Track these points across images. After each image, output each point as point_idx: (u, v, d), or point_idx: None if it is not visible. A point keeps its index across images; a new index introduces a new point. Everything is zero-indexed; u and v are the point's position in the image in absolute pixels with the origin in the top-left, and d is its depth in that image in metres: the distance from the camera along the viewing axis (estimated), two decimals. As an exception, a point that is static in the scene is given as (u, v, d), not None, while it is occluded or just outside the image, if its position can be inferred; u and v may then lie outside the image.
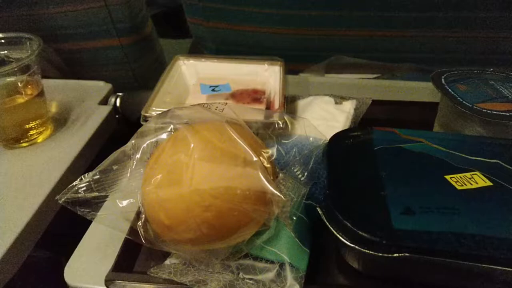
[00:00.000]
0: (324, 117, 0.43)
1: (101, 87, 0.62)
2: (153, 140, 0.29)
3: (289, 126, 0.38)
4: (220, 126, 0.28)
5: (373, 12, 0.60)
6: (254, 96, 0.43)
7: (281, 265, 0.29)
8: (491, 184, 0.32)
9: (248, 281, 0.29)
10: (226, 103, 0.33)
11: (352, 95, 0.48)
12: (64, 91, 0.60)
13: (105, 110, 0.56)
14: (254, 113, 0.37)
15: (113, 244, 0.33)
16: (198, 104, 0.33)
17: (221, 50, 0.69)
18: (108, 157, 0.31)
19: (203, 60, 0.49)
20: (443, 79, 0.43)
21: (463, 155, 0.36)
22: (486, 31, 0.59)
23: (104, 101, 0.60)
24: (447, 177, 0.33)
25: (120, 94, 0.61)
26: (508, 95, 0.39)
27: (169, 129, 0.29)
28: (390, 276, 0.30)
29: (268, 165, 0.28)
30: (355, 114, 0.44)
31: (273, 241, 0.30)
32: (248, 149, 0.26)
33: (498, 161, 0.35)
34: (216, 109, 0.32)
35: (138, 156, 0.29)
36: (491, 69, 0.45)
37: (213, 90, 0.43)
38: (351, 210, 0.29)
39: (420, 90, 0.56)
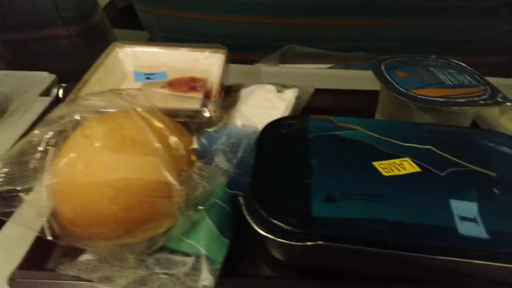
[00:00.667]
0: (263, 105, 0.42)
1: (45, 78, 0.59)
2: (58, 129, 0.27)
3: (220, 115, 0.36)
4: (128, 113, 0.26)
5: (324, 0, 0.59)
6: (192, 84, 0.42)
7: (198, 257, 0.27)
8: (419, 170, 0.32)
9: (162, 276, 0.27)
10: (139, 89, 0.31)
11: (298, 84, 0.47)
12: (4, 82, 0.57)
13: (45, 101, 0.53)
14: (179, 101, 0.35)
15: (26, 242, 0.31)
16: (109, 90, 0.31)
17: (172, 40, 0.67)
18: (13, 147, 0.29)
19: (143, 47, 0.47)
20: (383, 66, 0.42)
21: (397, 141, 0.35)
22: (438, 19, 0.59)
23: (46, 92, 0.57)
24: (376, 163, 0.32)
25: (64, 85, 0.58)
26: (446, 81, 0.39)
27: (75, 117, 0.27)
28: (313, 266, 0.29)
29: (183, 153, 0.26)
30: (296, 103, 0.43)
31: (191, 232, 0.28)
32: (152, 137, 0.24)
33: (431, 147, 0.34)
34: (128, 96, 0.30)
35: (41, 147, 0.27)
36: (433, 56, 0.45)
37: (147, 78, 0.41)
38: (271, 199, 0.28)
39: (368, 79, 0.55)
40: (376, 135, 0.36)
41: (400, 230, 0.26)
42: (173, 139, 0.26)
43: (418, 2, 0.58)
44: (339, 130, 0.37)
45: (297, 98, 0.44)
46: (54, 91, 0.57)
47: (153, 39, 0.74)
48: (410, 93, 0.37)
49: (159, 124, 0.26)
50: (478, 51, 0.62)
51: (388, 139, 0.35)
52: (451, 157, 0.33)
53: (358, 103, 0.47)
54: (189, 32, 0.64)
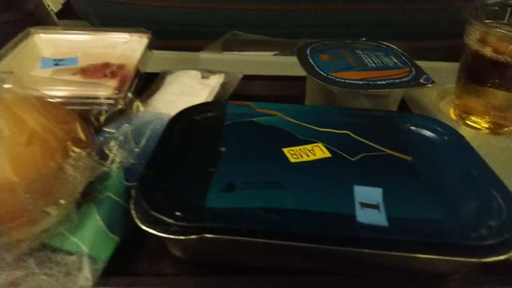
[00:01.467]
0: (185, 92, 0.39)
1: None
2: None
3: (131, 103, 0.34)
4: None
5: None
6: (106, 71, 0.39)
7: (80, 256, 0.25)
8: (330, 155, 0.30)
9: (42, 276, 0.25)
10: (10, 72, 0.29)
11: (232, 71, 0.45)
12: None
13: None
14: (80, 88, 0.32)
15: None
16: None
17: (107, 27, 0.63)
18: None
19: (59, 32, 0.44)
20: (308, 50, 0.40)
21: (314, 127, 0.34)
22: (382, 3, 0.58)
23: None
24: (285, 150, 0.30)
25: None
26: (370, 63, 0.37)
27: None
28: (212, 261, 0.27)
29: (55, 143, 0.24)
30: (222, 89, 0.41)
31: (77, 229, 0.26)
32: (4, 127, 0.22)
33: (348, 131, 0.33)
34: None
35: None
36: (364, 39, 0.43)
37: (56, 64, 0.38)
38: (161, 190, 0.26)
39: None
40: (294, 121, 0.34)
41: (294, 218, 0.24)
42: (41, 128, 0.23)
43: None
44: (257, 116, 0.35)
45: (223, 84, 0.41)
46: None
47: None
48: (329, 76, 0.35)
49: (20, 112, 0.23)
50: (421, 35, 0.61)
51: (306, 124, 0.34)
52: (367, 142, 0.32)
53: (290, 90, 0.45)
54: (127, 19, 0.61)
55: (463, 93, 0.44)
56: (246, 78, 0.46)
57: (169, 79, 0.42)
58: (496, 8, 0.43)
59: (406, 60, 0.39)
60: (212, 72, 0.42)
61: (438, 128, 0.33)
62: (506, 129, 0.44)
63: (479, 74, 0.41)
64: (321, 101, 0.39)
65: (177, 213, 0.24)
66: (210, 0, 0.58)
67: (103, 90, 0.34)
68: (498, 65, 0.38)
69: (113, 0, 0.58)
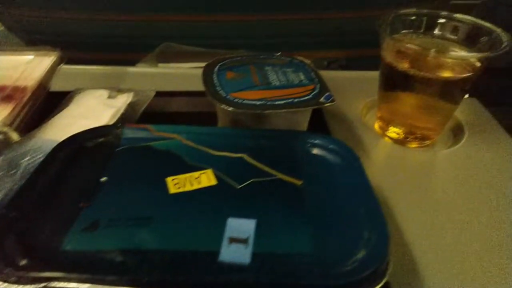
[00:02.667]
0: (84, 114, 0.37)
1: None
2: None
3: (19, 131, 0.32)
4: None
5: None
6: (2, 94, 0.37)
7: None
8: (215, 183, 0.29)
9: None
10: None
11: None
12: None
13: None
14: None
15: None
16: None
17: (35, 42, 0.61)
18: None
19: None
20: (217, 67, 0.39)
21: (210, 150, 0.32)
22: (310, 13, 0.57)
23: None
24: (169, 179, 0.29)
25: None
26: (273, 81, 0.36)
27: None
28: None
29: None
30: (130, 110, 0.39)
31: None
32: None
33: (244, 155, 0.32)
34: None
35: None
36: (279, 53, 0.42)
37: None
38: (11, 232, 0.24)
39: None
40: (192, 144, 0.33)
41: (150, 261, 0.23)
42: None
43: None
44: (154, 141, 0.33)
45: (131, 104, 0.40)
46: None
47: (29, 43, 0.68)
48: (228, 96, 0.34)
49: None
50: (359, 43, 0.61)
51: (203, 148, 0.32)
52: (260, 166, 0.31)
53: (210, 107, 0.44)
54: (56, 33, 0.59)
55: (382, 103, 0.43)
56: (164, 94, 0.45)
57: (75, 99, 0.41)
58: (413, 18, 0.43)
59: (314, 76, 0.38)
60: (121, 91, 0.41)
61: (335, 148, 0.32)
62: (428, 141, 0.43)
63: (395, 85, 0.41)
64: (229, 122, 0.37)
65: (22, 260, 0.22)
66: (141, 12, 0.57)
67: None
68: (412, 78, 0.38)
69: (39, 16, 0.56)
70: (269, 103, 0.33)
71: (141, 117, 0.40)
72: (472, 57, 0.36)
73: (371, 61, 0.63)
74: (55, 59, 0.41)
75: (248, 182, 0.29)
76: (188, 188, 0.28)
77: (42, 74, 0.39)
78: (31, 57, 0.41)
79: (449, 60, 0.37)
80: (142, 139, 0.33)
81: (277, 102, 0.33)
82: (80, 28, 0.58)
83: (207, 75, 0.37)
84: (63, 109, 0.39)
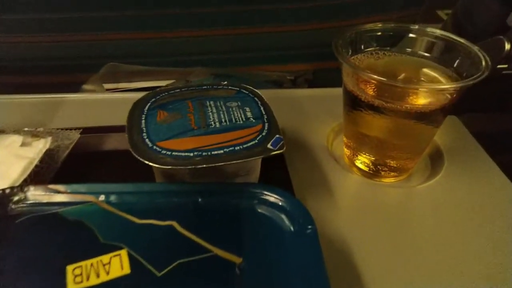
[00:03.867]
0: (-11, 170, 0.31)
1: None
2: None
3: None
4: None
5: (144, 11, 0.49)
6: None
7: None
8: (128, 272, 0.23)
9: None
10: None
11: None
12: None
13: None
14: None
15: None
16: None
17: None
18: None
19: None
20: (149, 104, 0.32)
21: (133, 218, 0.26)
22: (278, 25, 0.51)
23: None
24: (70, 268, 0.23)
25: None
26: (214, 123, 0.30)
27: None
28: None
29: None
30: (49, 158, 0.33)
31: None
32: None
33: (174, 222, 0.26)
34: None
35: None
36: (225, 82, 0.36)
37: None
38: None
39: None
40: (112, 210, 0.27)
41: None
42: None
43: (251, 8, 0.50)
44: (65, 205, 0.27)
45: (50, 151, 0.33)
46: None
47: None
48: (154, 147, 0.28)
49: None
50: (326, 55, 0.55)
51: (124, 214, 0.26)
52: (193, 237, 0.25)
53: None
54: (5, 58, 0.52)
55: (348, 128, 0.38)
56: (95, 130, 0.39)
57: (-15, 147, 0.34)
58: (379, 33, 0.37)
59: (264, 112, 0.32)
60: (37, 136, 0.34)
61: (286, 208, 0.27)
62: (405, 174, 0.38)
63: (360, 111, 0.35)
64: (162, 176, 0.31)
65: None
66: (83, 31, 0.50)
67: None
68: (378, 108, 0.32)
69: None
70: (204, 154, 0.27)
71: (63, 164, 0.34)
72: (449, 88, 0.31)
73: (339, 73, 0.58)
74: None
75: (173, 265, 0.23)
76: (93, 281, 0.22)
77: None
78: None
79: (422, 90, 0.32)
80: (50, 205, 0.27)
81: (214, 153, 0.27)
82: (17, 52, 0.51)
83: (133, 117, 0.31)
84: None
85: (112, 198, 0.27)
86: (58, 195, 0.28)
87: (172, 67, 0.55)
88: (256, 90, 0.35)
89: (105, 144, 0.38)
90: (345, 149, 0.39)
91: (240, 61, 0.56)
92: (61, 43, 0.52)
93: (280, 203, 0.27)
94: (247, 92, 0.35)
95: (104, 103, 0.47)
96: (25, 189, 0.28)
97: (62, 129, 0.36)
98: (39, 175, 0.32)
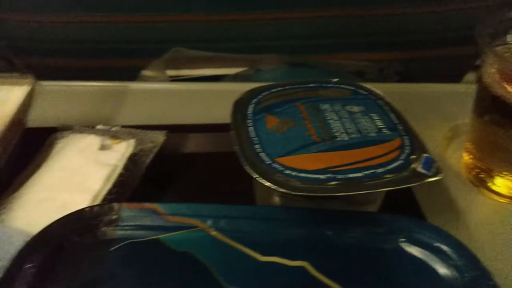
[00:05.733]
0: (64, 182, 0.26)
1: None
2: None
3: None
4: None
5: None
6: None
7: None
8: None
9: None
10: None
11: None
12: None
13: None
14: None
15: None
16: None
17: (21, 50, 0.49)
18: None
19: None
20: (251, 107, 0.27)
21: (253, 253, 0.21)
22: (362, 8, 0.44)
23: None
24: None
25: None
26: (340, 134, 0.24)
27: None
28: None
29: None
30: (132, 165, 0.28)
31: None
32: None
33: (305, 263, 0.21)
34: None
35: None
36: (335, 80, 0.30)
37: None
38: None
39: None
40: (223, 239, 0.22)
41: None
42: None
43: None
44: (166, 231, 0.22)
45: (133, 157, 0.29)
46: None
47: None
48: (273, 164, 0.22)
49: None
50: (418, 43, 0.47)
51: (241, 247, 0.21)
52: (330, 284, 0.20)
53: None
54: (45, 40, 0.48)
55: (480, 141, 0.31)
56: (178, 129, 0.34)
57: (57, 148, 0.30)
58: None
59: (397, 121, 0.26)
60: (117, 137, 0.29)
61: (442, 249, 0.21)
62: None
63: (501, 116, 0.29)
64: (269, 198, 0.26)
65: None
66: (145, 13, 0.45)
67: None
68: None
69: (25, 20, 0.44)
70: (339, 177, 0.21)
71: (146, 172, 0.29)
72: None
73: (435, 65, 0.51)
74: (29, 89, 0.30)
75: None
76: None
77: (12, 112, 0.28)
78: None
79: None
80: (148, 228, 0.23)
81: (351, 176, 0.21)
82: (76, 33, 0.47)
83: (237, 123, 0.25)
84: (38, 167, 0.28)
85: (223, 223, 0.22)
86: (155, 216, 0.23)
87: (240, 54, 0.49)
88: (377, 90, 0.29)
89: (188, 145, 0.34)
90: (467, 163, 0.33)
91: (318, 48, 0.49)
92: (119, 24, 0.47)
93: (435, 243, 0.21)
94: (365, 93, 0.29)
95: (172, 94, 0.42)
96: (116, 207, 0.23)
97: (142, 128, 0.31)
98: (124, 185, 0.27)
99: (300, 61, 0.50)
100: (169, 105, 0.40)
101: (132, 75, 0.51)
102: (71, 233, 0.22)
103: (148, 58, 0.51)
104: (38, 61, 0.53)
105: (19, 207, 0.25)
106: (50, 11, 0.45)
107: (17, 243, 0.22)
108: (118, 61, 0.52)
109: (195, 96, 0.42)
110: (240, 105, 0.27)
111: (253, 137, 0.24)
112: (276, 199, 0.26)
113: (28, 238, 0.22)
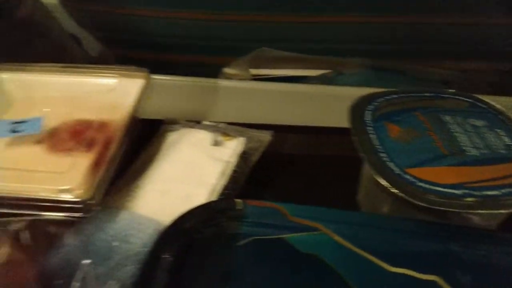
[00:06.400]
0: (181, 173, 0.27)
1: None
2: None
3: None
4: None
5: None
6: (81, 136, 0.28)
7: None
8: None
9: None
10: None
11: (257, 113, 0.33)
12: None
13: None
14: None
15: None
16: None
17: (111, 41, 0.52)
18: None
19: (30, 71, 0.33)
20: (369, 113, 0.27)
21: (384, 264, 0.21)
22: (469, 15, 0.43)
23: None
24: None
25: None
26: (469, 147, 0.24)
27: None
28: None
29: None
30: (242, 162, 0.29)
31: None
32: None
33: (437, 278, 0.20)
34: None
35: None
36: (452, 91, 0.29)
37: (13, 130, 0.28)
38: None
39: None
40: (349, 245, 0.22)
41: None
42: None
43: None
44: (289, 231, 0.23)
45: (243, 154, 0.29)
46: None
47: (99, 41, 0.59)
48: (404, 175, 0.22)
49: None
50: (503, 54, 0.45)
51: (368, 256, 0.22)
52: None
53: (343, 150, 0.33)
54: (131, 31, 0.50)
55: None
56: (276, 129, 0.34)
57: (170, 139, 0.31)
58: None
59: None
60: (227, 134, 0.30)
61: None
62: None
63: None
64: (379, 206, 0.26)
65: None
66: (233, 11, 0.46)
67: (65, 184, 0.24)
68: None
69: (115, 12, 0.47)
70: (475, 193, 0.21)
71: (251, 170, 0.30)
72: None
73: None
74: (144, 83, 0.32)
75: None
76: None
77: (132, 105, 0.30)
78: (113, 80, 0.32)
79: None
80: (271, 227, 0.23)
81: (488, 193, 0.21)
82: (166, 28, 0.48)
83: (358, 128, 0.25)
84: (151, 157, 0.30)
85: (345, 229, 0.23)
86: (278, 215, 0.23)
87: (322, 56, 0.49)
88: (496, 104, 0.28)
89: (287, 146, 0.34)
90: None
91: (404, 53, 0.48)
92: (211, 21, 0.48)
93: None
94: (484, 106, 0.28)
95: (258, 93, 0.43)
96: (239, 203, 0.24)
97: (249, 126, 0.32)
98: (235, 182, 0.28)
99: (385, 66, 0.49)
100: (257, 104, 0.40)
101: (212, 72, 0.52)
102: (200, 225, 0.23)
103: (229, 56, 0.52)
104: (122, 52, 0.55)
105: (143, 196, 0.26)
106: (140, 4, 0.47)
107: (148, 231, 0.24)
108: (200, 57, 0.53)
109: (278, 96, 0.42)
110: (357, 111, 0.27)
111: (377, 145, 0.24)
112: (386, 208, 0.26)
113: (158, 227, 0.24)
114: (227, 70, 0.53)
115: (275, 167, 0.32)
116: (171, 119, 0.34)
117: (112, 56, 0.55)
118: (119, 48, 0.55)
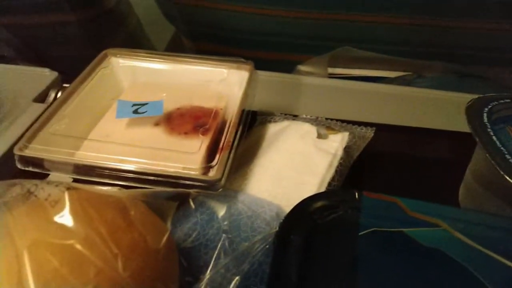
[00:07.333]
0: (292, 162, 0.28)
1: (45, 76, 0.50)
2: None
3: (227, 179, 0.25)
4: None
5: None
6: (197, 121, 0.30)
7: None
8: None
9: None
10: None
11: (348, 110, 0.34)
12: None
13: (38, 109, 0.44)
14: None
15: None
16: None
17: (197, 36, 0.54)
18: None
19: (138, 59, 0.35)
20: (485, 115, 0.27)
21: (507, 262, 0.21)
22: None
23: (43, 95, 0.48)
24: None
25: (66, 85, 0.49)
26: None
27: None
28: None
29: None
30: (346, 156, 0.30)
31: None
32: None
33: None
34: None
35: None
36: None
37: (136, 111, 0.30)
38: None
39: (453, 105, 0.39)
40: (472, 243, 0.22)
41: None
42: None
43: None
44: (410, 225, 0.24)
45: (346, 149, 0.30)
46: (52, 94, 0.48)
47: (179, 34, 0.62)
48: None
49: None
50: None
51: (494, 255, 0.22)
52: None
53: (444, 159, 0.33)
54: (217, 26, 0.52)
55: None
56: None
57: (273, 130, 0.32)
58: None
59: None
60: (331, 128, 0.31)
61: None
62: None
63: None
64: (491, 205, 0.26)
65: None
66: (331, 9, 0.47)
67: (190, 163, 0.25)
68: None
69: (204, 6, 0.49)
70: None
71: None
72: None
73: None
74: (251, 75, 0.33)
75: None
76: None
77: (241, 96, 0.31)
78: (224, 71, 0.33)
79: None
80: (391, 220, 0.24)
81: None
82: (250, 23, 0.50)
83: (479, 129, 0.26)
84: (257, 145, 0.31)
85: (463, 227, 0.23)
86: (396, 208, 0.24)
87: (404, 58, 0.49)
88: None
89: (385, 143, 0.34)
90: None
91: (488, 60, 0.48)
92: (298, 19, 0.49)
93: None
94: None
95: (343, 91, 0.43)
96: (357, 194, 0.25)
97: (353, 123, 0.32)
98: (340, 174, 0.29)
99: (467, 71, 0.48)
100: (356, 102, 0.41)
101: (284, 68, 0.53)
102: (322, 212, 0.24)
103: (305, 54, 0.53)
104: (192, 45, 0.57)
105: (258, 180, 0.27)
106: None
107: (270, 213, 0.25)
108: (274, 54, 0.54)
109: (376, 96, 0.42)
110: (473, 113, 0.27)
111: (500, 146, 0.24)
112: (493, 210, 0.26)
113: (279, 209, 0.25)
114: (302, 67, 0.54)
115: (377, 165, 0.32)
116: (266, 111, 0.35)
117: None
118: (203, 42, 0.57)
